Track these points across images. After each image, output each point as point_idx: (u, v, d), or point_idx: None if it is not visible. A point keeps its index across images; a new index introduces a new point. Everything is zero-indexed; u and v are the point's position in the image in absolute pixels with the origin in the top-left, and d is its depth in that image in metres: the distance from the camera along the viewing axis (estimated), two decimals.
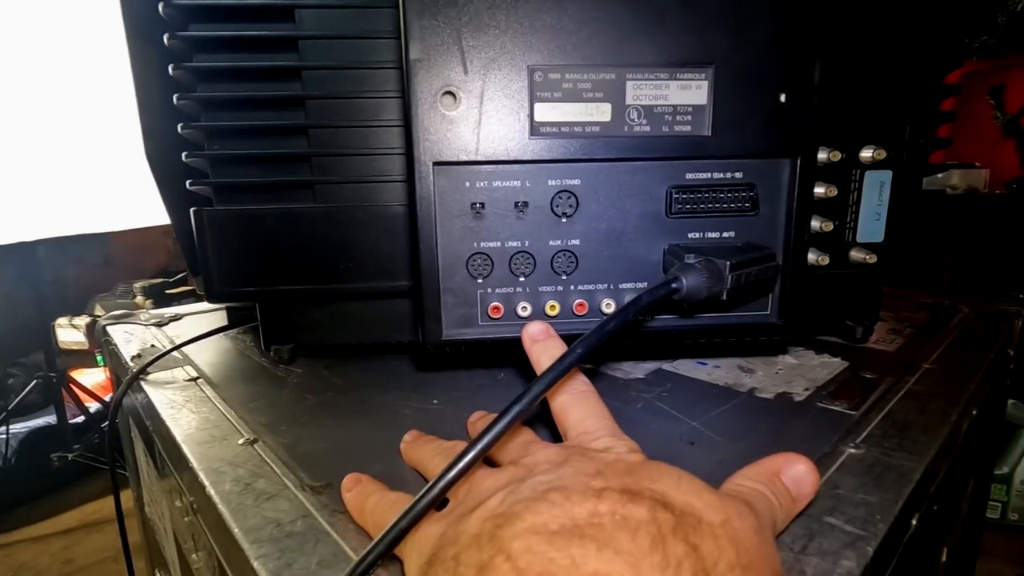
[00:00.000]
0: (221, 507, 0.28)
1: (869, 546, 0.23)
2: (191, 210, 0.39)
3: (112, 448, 0.57)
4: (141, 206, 1.22)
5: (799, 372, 0.42)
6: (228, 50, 0.37)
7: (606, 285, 0.35)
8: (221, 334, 0.55)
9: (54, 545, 1.43)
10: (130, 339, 0.56)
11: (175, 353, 0.50)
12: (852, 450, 0.31)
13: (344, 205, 0.38)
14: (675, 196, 0.34)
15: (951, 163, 1.71)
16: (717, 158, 0.34)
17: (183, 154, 0.39)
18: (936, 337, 0.49)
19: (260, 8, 0.37)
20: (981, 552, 0.71)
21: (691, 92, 0.33)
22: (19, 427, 1.61)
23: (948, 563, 0.49)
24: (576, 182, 0.34)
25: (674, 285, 0.30)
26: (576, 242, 0.34)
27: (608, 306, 0.35)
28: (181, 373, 0.46)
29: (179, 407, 0.39)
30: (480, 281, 0.34)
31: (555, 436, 0.28)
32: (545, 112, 0.32)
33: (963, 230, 1.55)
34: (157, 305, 1.46)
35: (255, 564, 0.24)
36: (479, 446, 0.22)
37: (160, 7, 0.36)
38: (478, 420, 0.34)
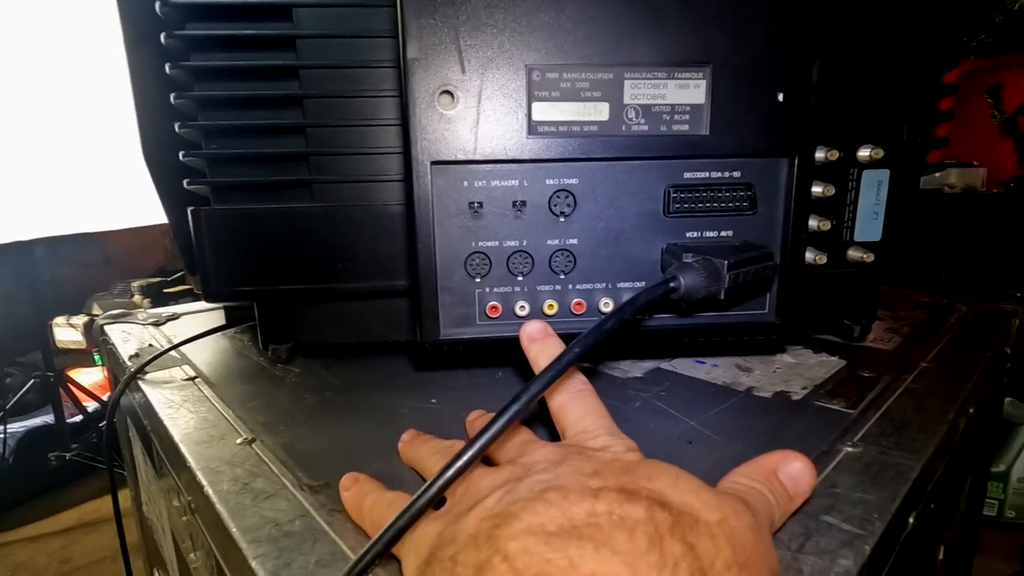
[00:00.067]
0: (219, 506, 0.28)
1: (866, 545, 0.24)
2: (188, 209, 0.39)
3: (110, 448, 0.57)
4: (139, 205, 1.22)
5: (797, 371, 0.42)
6: (225, 49, 0.37)
7: (604, 284, 0.35)
8: (219, 333, 0.55)
9: (52, 544, 1.43)
10: (128, 338, 0.56)
11: (173, 352, 0.50)
12: (849, 449, 0.31)
13: (342, 204, 0.38)
14: (673, 195, 0.34)
15: (949, 162, 1.71)
16: (715, 157, 0.34)
17: (180, 153, 0.39)
18: (934, 336, 0.49)
19: (257, 7, 0.37)
20: (978, 550, 0.71)
21: (689, 91, 0.33)
22: (17, 426, 1.60)
23: (945, 561, 0.49)
24: (574, 181, 0.34)
25: (672, 284, 0.30)
26: (574, 241, 0.34)
27: (606, 305, 0.35)
28: (179, 372, 0.46)
29: (177, 406, 0.39)
30: (478, 280, 0.34)
31: (553, 435, 0.28)
32: (543, 111, 0.32)
33: (961, 229, 1.56)
34: (155, 304, 1.45)
35: (253, 563, 0.24)
36: (477, 445, 0.22)
37: (157, 6, 0.36)
38: (476, 419, 0.34)
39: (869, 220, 0.41)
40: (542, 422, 0.32)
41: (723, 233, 0.35)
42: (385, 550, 0.21)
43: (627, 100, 0.33)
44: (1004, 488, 1.28)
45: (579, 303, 0.35)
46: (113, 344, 0.55)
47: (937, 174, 1.64)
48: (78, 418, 1.60)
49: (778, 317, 0.36)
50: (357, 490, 0.27)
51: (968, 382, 0.40)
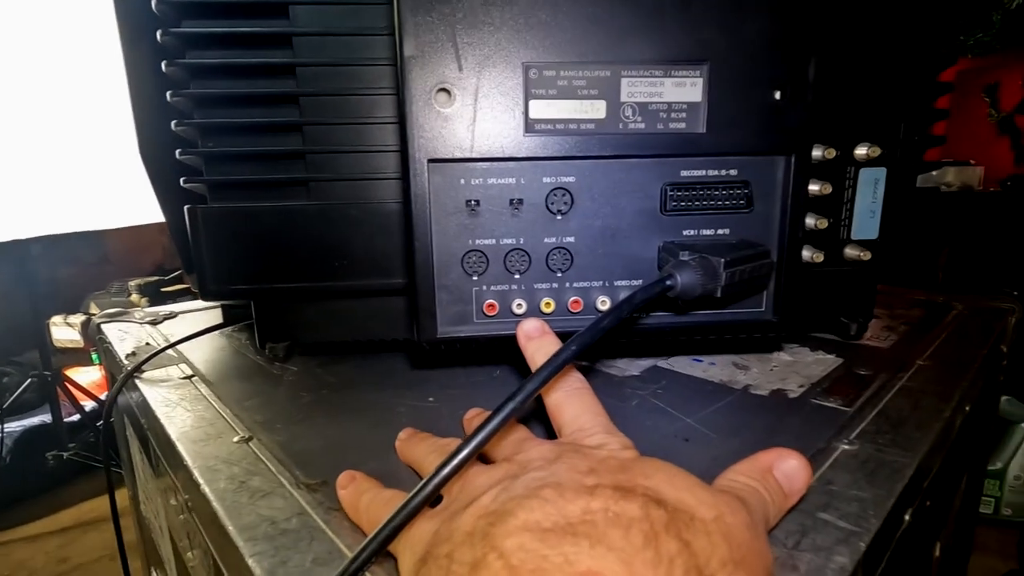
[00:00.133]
0: (216, 505, 0.28)
1: (862, 542, 0.24)
2: (185, 208, 0.39)
3: (107, 447, 0.57)
4: (136, 204, 1.22)
5: (794, 369, 0.43)
6: (221, 47, 0.37)
7: (601, 282, 0.35)
8: (216, 332, 0.55)
9: (50, 544, 1.43)
10: (125, 337, 0.56)
11: (170, 351, 0.50)
12: (846, 446, 0.31)
13: (339, 202, 0.38)
14: (670, 193, 0.34)
15: (946, 160, 1.71)
16: (712, 155, 0.34)
17: (177, 151, 0.39)
18: (930, 334, 0.50)
19: (254, 4, 0.36)
20: (975, 547, 0.71)
21: (686, 89, 0.33)
22: (14, 426, 1.60)
23: (941, 558, 0.49)
24: (571, 179, 0.34)
25: (668, 282, 0.30)
26: (571, 239, 0.34)
27: (603, 303, 0.35)
28: (176, 371, 0.46)
29: (174, 405, 0.39)
30: (475, 278, 0.34)
31: (550, 433, 0.28)
32: (540, 109, 0.32)
33: (958, 227, 1.56)
34: (153, 303, 1.45)
35: (250, 562, 0.24)
36: (473, 443, 0.22)
37: (153, 3, 0.36)
38: (474, 417, 0.34)
39: (866, 218, 0.41)
40: (539, 420, 0.32)
41: (720, 231, 0.35)
42: (381, 548, 0.21)
43: (624, 98, 0.33)
44: (1000, 486, 1.28)
45: (576, 301, 0.35)
46: (110, 343, 0.55)
47: (934, 172, 1.64)
48: (76, 417, 1.60)
49: (775, 315, 0.36)
50: (354, 488, 0.27)
51: (964, 380, 0.40)
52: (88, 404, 1.61)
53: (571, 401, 0.26)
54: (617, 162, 0.34)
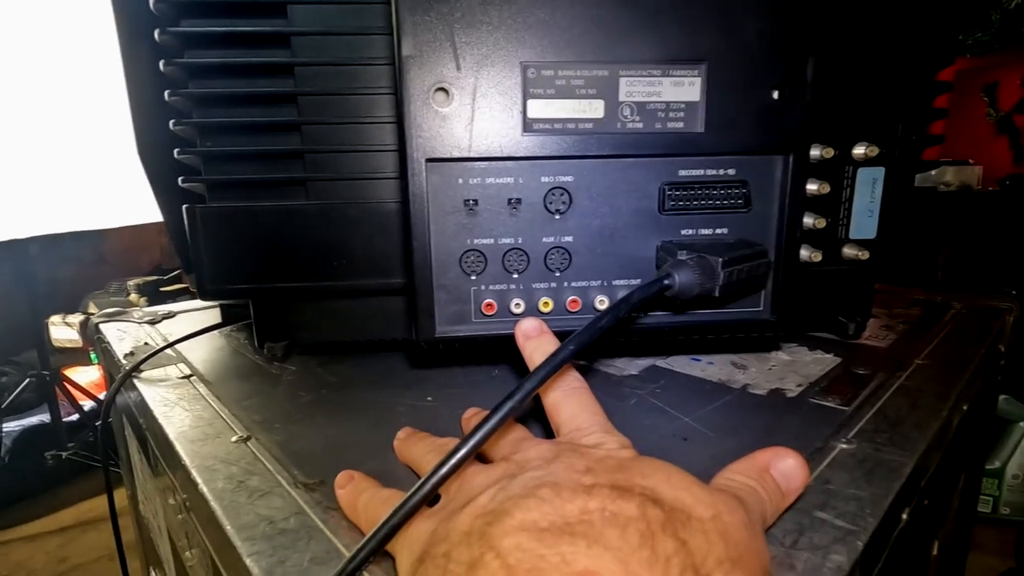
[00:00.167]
0: (214, 504, 0.28)
1: (859, 541, 0.24)
2: (183, 207, 0.39)
3: (105, 447, 0.57)
4: (135, 203, 1.22)
5: (792, 368, 0.43)
6: (220, 46, 0.37)
7: (599, 282, 0.35)
8: (215, 331, 0.55)
9: (49, 544, 1.43)
10: (123, 337, 0.56)
11: (168, 351, 0.50)
12: (844, 445, 0.31)
13: (337, 202, 0.38)
14: (668, 193, 0.34)
15: (945, 160, 1.71)
16: (710, 155, 0.34)
17: (175, 151, 0.39)
18: (928, 333, 0.50)
19: (252, 4, 0.36)
20: (973, 546, 0.72)
21: (684, 89, 0.33)
22: (13, 425, 1.60)
23: (939, 557, 0.49)
24: (569, 179, 0.34)
25: (666, 282, 0.30)
26: (569, 239, 0.34)
27: (601, 303, 0.35)
28: (174, 371, 0.46)
29: (172, 405, 0.39)
30: (473, 278, 0.34)
31: (548, 432, 0.28)
32: (538, 109, 0.32)
33: (957, 227, 1.56)
34: (152, 303, 1.45)
35: (248, 561, 0.24)
36: (471, 443, 0.22)
37: (151, 2, 0.36)
38: (472, 416, 0.34)
39: (864, 218, 0.41)
40: (537, 419, 0.32)
41: (718, 231, 0.35)
42: (379, 547, 0.21)
43: (622, 98, 0.33)
44: (999, 484, 1.28)
45: (574, 300, 0.35)
46: (108, 343, 0.55)
47: (933, 172, 1.64)
48: (74, 417, 1.60)
49: (773, 314, 0.36)
50: (352, 488, 0.27)
51: (962, 379, 0.40)
52: (87, 404, 1.61)
53: (569, 400, 0.26)
54: (615, 161, 0.34)
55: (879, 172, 0.40)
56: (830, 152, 0.36)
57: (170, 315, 0.64)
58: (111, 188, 1.21)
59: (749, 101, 0.33)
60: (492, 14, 0.31)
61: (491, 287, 0.35)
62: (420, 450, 0.30)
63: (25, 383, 1.53)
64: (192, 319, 0.62)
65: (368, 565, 0.21)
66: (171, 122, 0.38)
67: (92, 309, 1.97)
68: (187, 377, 0.44)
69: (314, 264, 0.39)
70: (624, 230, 0.35)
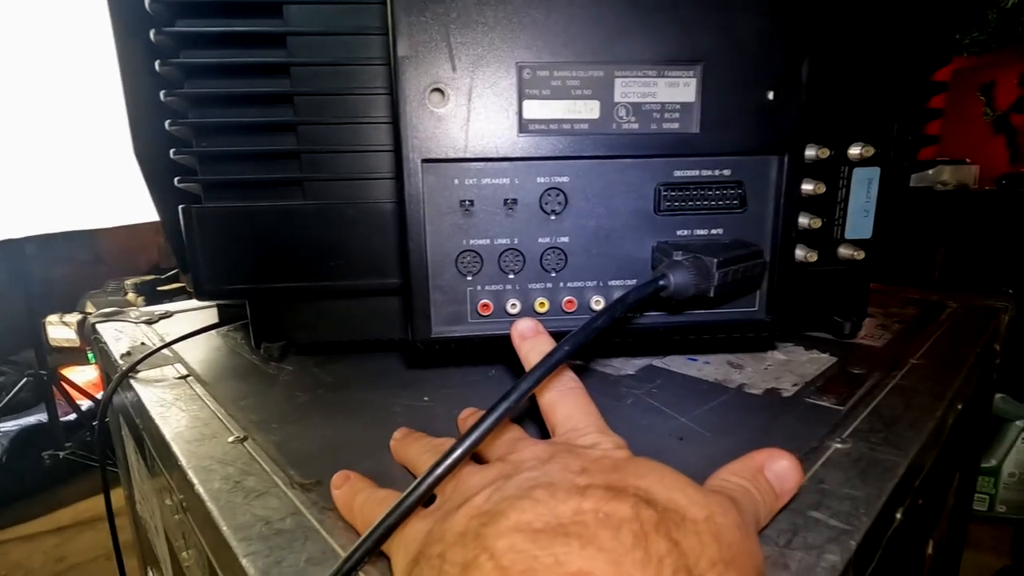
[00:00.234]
0: (210, 505, 0.28)
1: (853, 540, 0.24)
2: (180, 207, 0.38)
3: (102, 446, 0.57)
4: (132, 203, 1.22)
5: (788, 368, 0.43)
6: (216, 46, 0.37)
7: (595, 282, 0.35)
8: (212, 331, 0.55)
9: (46, 543, 1.43)
10: (120, 337, 0.56)
11: (165, 351, 0.50)
12: (838, 445, 0.31)
13: (333, 202, 0.38)
14: (663, 193, 0.34)
15: (941, 159, 1.72)
16: (705, 156, 0.34)
17: (171, 151, 0.39)
18: (924, 332, 0.50)
19: (248, 4, 0.36)
20: (969, 544, 0.72)
21: (679, 90, 0.33)
22: (10, 425, 1.60)
23: (934, 556, 0.49)
24: (565, 179, 0.34)
25: (662, 282, 0.30)
26: (565, 239, 0.34)
27: (597, 303, 0.35)
28: (171, 371, 0.46)
29: (168, 405, 0.39)
30: (469, 278, 0.34)
31: (544, 433, 0.28)
32: (534, 109, 0.32)
33: (953, 226, 1.56)
34: (149, 302, 1.45)
35: (244, 562, 0.24)
36: (466, 443, 0.22)
37: (147, 3, 0.36)
38: (468, 417, 0.34)
39: (860, 218, 0.41)
40: (533, 420, 0.32)
41: (713, 231, 0.35)
42: (375, 548, 0.21)
43: (618, 98, 0.33)
44: (995, 483, 1.29)
45: (570, 301, 0.35)
46: (105, 342, 0.55)
47: (930, 171, 1.65)
48: (72, 416, 1.60)
49: (768, 314, 0.36)
50: (348, 488, 0.27)
51: (957, 379, 0.40)
52: (84, 403, 1.61)
53: (564, 401, 0.27)
54: (611, 162, 0.34)
55: (874, 172, 0.40)
56: (825, 152, 0.36)
57: (167, 315, 0.64)
58: (107, 188, 1.21)
59: (744, 101, 0.33)
60: (488, 14, 0.31)
61: (487, 288, 0.35)
62: (416, 450, 0.30)
63: (22, 383, 1.53)
64: (189, 319, 0.62)
65: (364, 565, 0.22)
66: (167, 122, 0.38)
67: (89, 308, 1.97)
68: (184, 377, 0.44)
69: (310, 264, 0.39)
70: (620, 231, 0.35)
